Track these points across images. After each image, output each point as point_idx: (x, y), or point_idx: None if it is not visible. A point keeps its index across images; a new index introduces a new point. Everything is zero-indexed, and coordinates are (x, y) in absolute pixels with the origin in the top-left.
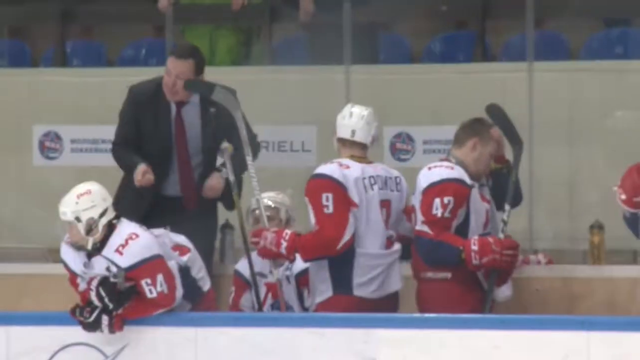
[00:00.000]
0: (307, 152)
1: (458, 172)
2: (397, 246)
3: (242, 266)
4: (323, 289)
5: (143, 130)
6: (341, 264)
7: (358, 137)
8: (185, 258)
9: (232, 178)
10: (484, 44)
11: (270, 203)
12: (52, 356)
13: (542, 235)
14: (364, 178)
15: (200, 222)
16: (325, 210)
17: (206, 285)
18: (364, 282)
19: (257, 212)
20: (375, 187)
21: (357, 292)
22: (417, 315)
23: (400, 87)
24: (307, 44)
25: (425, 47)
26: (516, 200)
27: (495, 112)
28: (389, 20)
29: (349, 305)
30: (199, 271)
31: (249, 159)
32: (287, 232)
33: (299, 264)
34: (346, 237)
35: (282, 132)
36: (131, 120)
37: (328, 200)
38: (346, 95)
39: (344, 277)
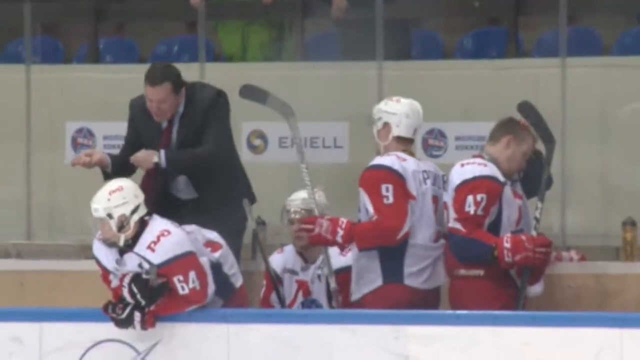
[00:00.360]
0: (339, 148)
1: (491, 169)
2: (442, 240)
3: (274, 261)
4: (372, 278)
5: (144, 140)
6: (393, 254)
7: (415, 135)
8: (217, 254)
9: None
10: (517, 40)
11: (302, 206)
12: (85, 352)
13: (574, 232)
14: (419, 171)
15: (223, 223)
16: (385, 201)
17: (238, 281)
18: (415, 272)
19: (292, 213)
20: (428, 181)
21: (408, 281)
22: (449, 312)
23: (433, 83)
24: (339, 40)
25: (458, 43)
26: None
27: (528, 110)
28: (422, 16)
29: (401, 294)
30: (231, 267)
31: (303, 166)
32: (343, 220)
33: (332, 264)
34: (406, 227)
35: (314, 128)
36: (130, 127)
37: (388, 191)
38: (378, 91)
39: (395, 267)
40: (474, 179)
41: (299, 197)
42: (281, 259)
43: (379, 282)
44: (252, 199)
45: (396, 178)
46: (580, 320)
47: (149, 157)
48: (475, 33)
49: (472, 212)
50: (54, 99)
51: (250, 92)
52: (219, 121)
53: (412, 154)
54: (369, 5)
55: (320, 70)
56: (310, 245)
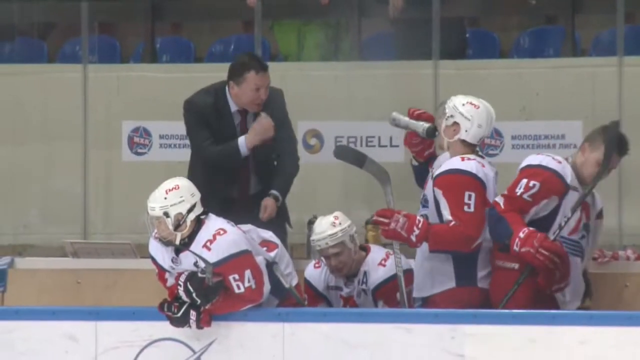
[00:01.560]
0: (395, 147)
1: (562, 168)
2: None
3: (314, 277)
4: (444, 280)
5: (215, 136)
6: (466, 257)
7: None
8: (272, 254)
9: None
10: (574, 38)
11: (331, 243)
12: (141, 351)
13: (631, 231)
14: (493, 176)
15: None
16: (467, 209)
17: (294, 280)
18: (486, 274)
19: (324, 252)
20: (496, 185)
21: (481, 284)
22: (505, 311)
23: (489, 82)
24: (395, 39)
25: (514, 42)
26: None
27: (342, 153)
28: (478, 14)
29: (474, 296)
30: (287, 267)
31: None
32: (420, 219)
33: (374, 278)
34: (481, 238)
35: (369, 127)
36: (202, 125)
37: (470, 199)
38: (434, 90)
39: (469, 270)
40: (538, 166)
41: (324, 234)
42: (321, 275)
43: (451, 284)
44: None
45: (479, 186)
46: (637, 319)
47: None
48: (532, 32)
49: (519, 193)
50: (111, 99)
51: (346, 154)
52: (286, 122)
53: (480, 155)
54: (425, 5)
55: (376, 69)
56: (349, 271)
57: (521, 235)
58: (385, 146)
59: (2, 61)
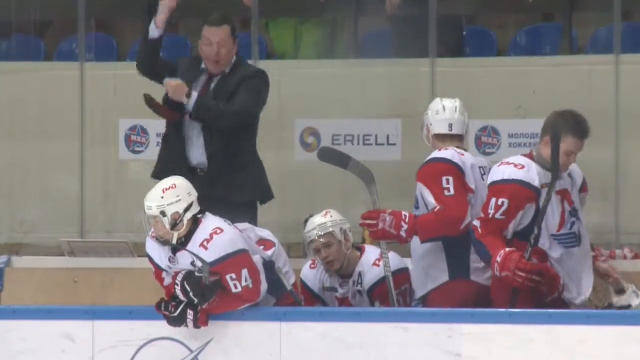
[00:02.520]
0: (392, 145)
1: (524, 173)
2: None
3: (309, 278)
4: (437, 274)
5: None
6: (458, 249)
7: (455, 130)
8: (269, 252)
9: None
10: (571, 36)
11: (320, 233)
12: (138, 350)
13: (628, 230)
14: (477, 166)
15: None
16: (446, 193)
17: (291, 279)
18: (480, 267)
19: (315, 243)
20: (485, 177)
21: (474, 277)
22: (502, 310)
23: (486, 80)
24: (392, 37)
25: (511, 40)
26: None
27: (326, 155)
28: (475, 12)
29: (468, 289)
30: (284, 265)
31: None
32: (406, 214)
33: (369, 278)
34: (468, 217)
35: (366, 125)
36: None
37: (448, 183)
38: (431, 88)
39: (462, 262)
40: (501, 181)
41: (314, 225)
42: (316, 275)
43: (444, 277)
44: (266, 195)
45: (455, 170)
46: (635, 318)
47: (183, 88)
48: (529, 29)
49: (491, 215)
50: (108, 96)
51: (330, 156)
52: (252, 89)
53: (465, 150)
54: (421, 2)
55: (373, 67)
56: (342, 269)
57: (498, 259)
58: (382, 144)
59: None
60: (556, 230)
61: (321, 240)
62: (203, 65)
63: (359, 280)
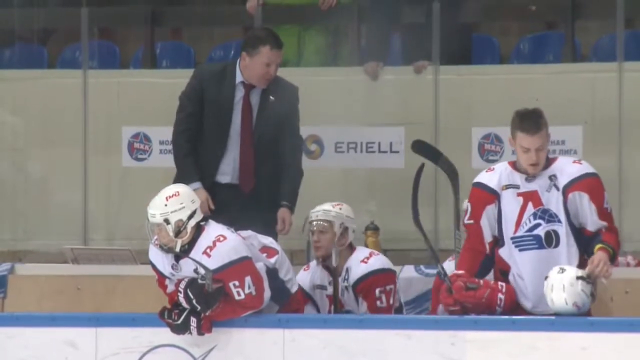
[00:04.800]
0: (395, 153)
1: (488, 176)
2: None
3: (301, 279)
4: None
5: (212, 110)
6: None
7: None
8: (273, 260)
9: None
10: (574, 44)
11: (321, 217)
12: (141, 358)
13: (631, 237)
14: None
15: (259, 216)
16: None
17: (294, 287)
18: None
19: (313, 224)
20: None
21: None
22: (505, 317)
23: (489, 88)
24: (397, 45)
25: (515, 48)
26: None
27: (420, 149)
28: (478, 20)
29: None
30: (287, 273)
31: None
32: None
33: (354, 274)
34: None
35: (370, 132)
36: (194, 99)
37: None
38: (434, 95)
39: None
40: (472, 187)
41: (320, 208)
42: (308, 276)
43: None
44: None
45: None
46: (638, 326)
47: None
48: (532, 37)
49: (465, 221)
50: (111, 104)
51: (423, 148)
52: (298, 119)
53: None
54: (427, 9)
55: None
56: (330, 255)
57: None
58: (386, 152)
59: (2, 67)
60: (513, 233)
61: (319, 222)
62: (240, 79)
63: (346, 276)
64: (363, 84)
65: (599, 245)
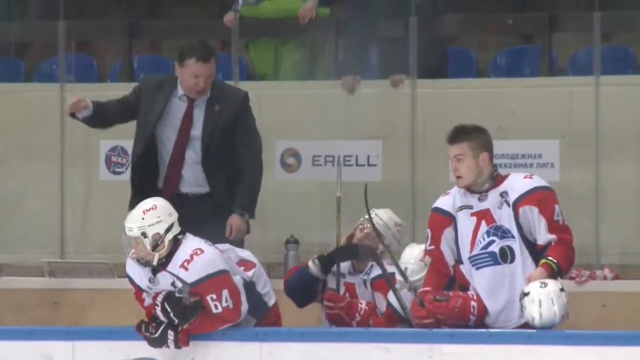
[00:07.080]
0: (373, 166)
1: (444, 200)
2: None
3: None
4: None
5: (141, 116)
6: None
7: None
8: (250, 273)
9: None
10: (551, 57)
11: (374, 222)
12: None
13: (608, 250)
14: None
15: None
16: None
17: (271, 300)
18: None
19: (364, 223)
20: None
21: None
22: (482, 330)
23: (466, 101)
24: (374, 58)
25: (492, 61)
26: None
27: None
28: (455, 33)
29: None
30: (264, 286)
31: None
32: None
33: (376, 271)
34: None
35: (347, 146)
36: (132, 99)
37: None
38: (411, 109)
39: None
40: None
41: (380, 213)
42: None
43: None
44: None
45: None
46: (614, 339)
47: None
48: (509, 51)
49: (426, 247)
50: None
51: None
52: (253, 124)
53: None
54: (404, 23)
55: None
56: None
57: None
58: (363, 165)
59: None
60: (469, 252)
61: (367, 228)
62: (182, 92)
63: (368, 271)
64: (340, 97)
65: (542, 261)
